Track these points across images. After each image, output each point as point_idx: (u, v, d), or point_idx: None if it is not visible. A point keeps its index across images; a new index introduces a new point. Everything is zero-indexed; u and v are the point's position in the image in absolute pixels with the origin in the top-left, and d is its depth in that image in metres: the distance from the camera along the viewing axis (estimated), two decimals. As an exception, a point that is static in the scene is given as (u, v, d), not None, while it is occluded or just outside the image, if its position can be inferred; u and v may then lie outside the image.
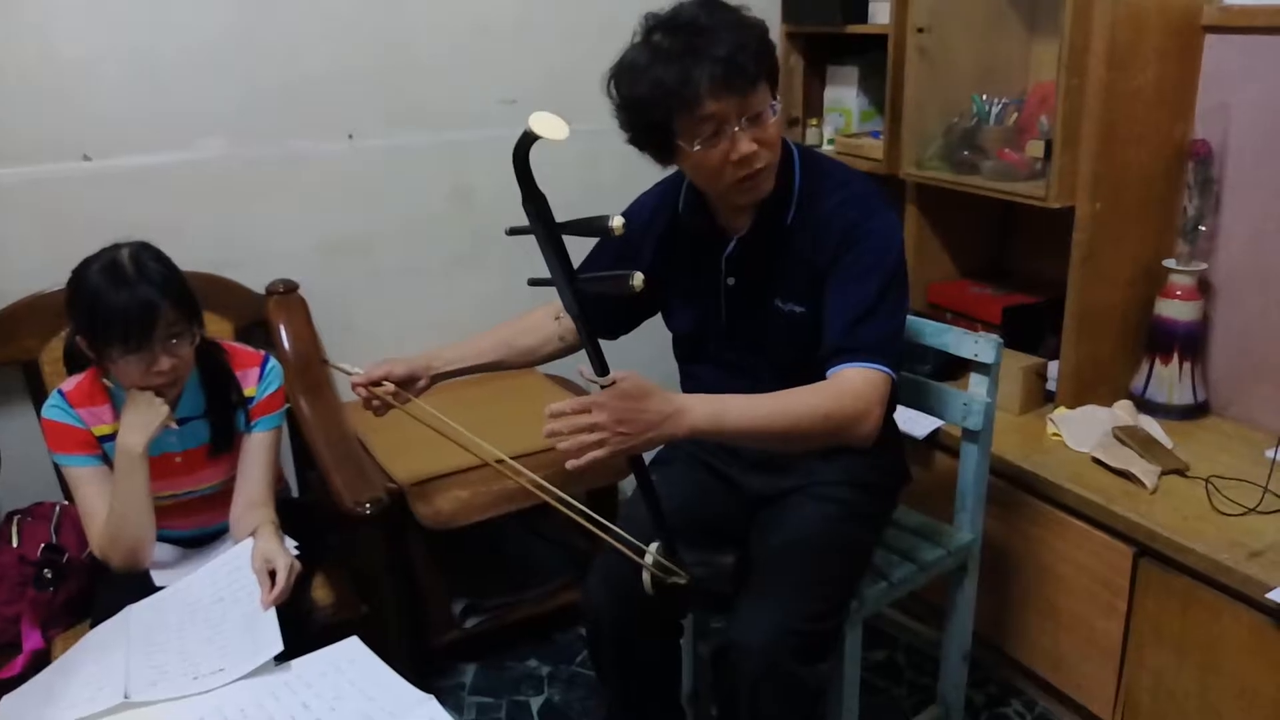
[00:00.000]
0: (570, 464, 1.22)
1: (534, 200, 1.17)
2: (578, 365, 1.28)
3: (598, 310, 1.58)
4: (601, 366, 1.22)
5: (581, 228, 1.17)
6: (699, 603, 1.65)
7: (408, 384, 1.54)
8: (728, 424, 1.27)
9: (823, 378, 1.38)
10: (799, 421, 1.30)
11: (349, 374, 1.53)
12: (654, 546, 1.36)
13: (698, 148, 1.34)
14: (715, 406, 1.27)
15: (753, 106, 1.33)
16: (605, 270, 1.54)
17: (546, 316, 1.66)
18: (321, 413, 2.04)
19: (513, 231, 1.23)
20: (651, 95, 1.32)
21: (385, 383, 1.52)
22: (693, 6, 1.34)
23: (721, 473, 1.64)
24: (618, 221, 1.14)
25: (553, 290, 1.24)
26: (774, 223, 1.46)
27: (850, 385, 1.34)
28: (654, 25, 1.35)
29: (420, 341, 2.36)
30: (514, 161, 1.15)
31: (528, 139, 1.13)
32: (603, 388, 1.21)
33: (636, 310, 1.65)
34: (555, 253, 1.19)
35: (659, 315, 1.66)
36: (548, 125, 1.12)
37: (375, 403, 1.52)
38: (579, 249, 1.25)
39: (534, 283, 1.27)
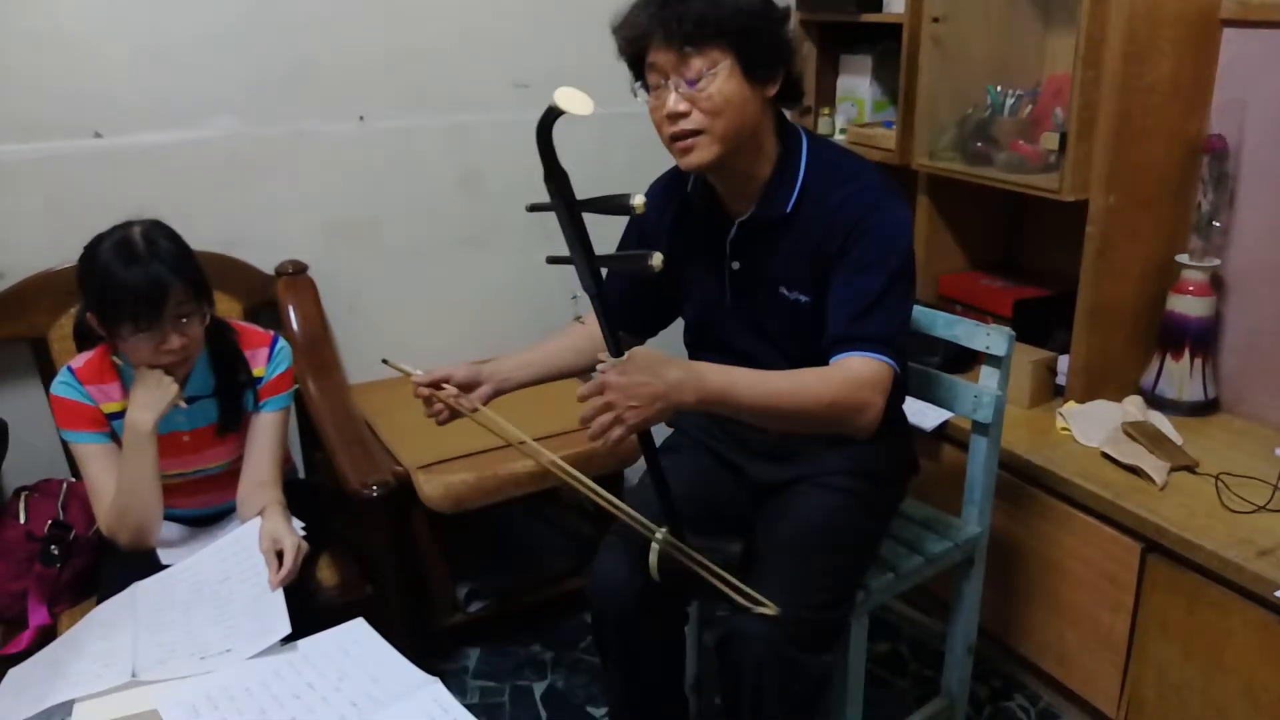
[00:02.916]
0: (593, 440, 1.22)
1: (555, 177, 1.16)
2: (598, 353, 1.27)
3: (628, 311, 1.59)
4: (616, 347, 1.22)
5: (602, 205, 1.17)
6: (708, 590, 1.65)
7: (468, 389, 1.49)
8: (734, 397, 1.27)
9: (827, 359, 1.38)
10: (804, 404, 1.31)
11: (409, 375, 1.47)
12: (660, 532, 1.36)
13: (646, 93, 1.38)
14: (725, 378, 1.27)
15: (691, 68, 1.32)
16: (646, 283, 1.54)
17: (582, 327, 1.66)
18: (329, 394, 2.05)
19: (533, 208, 1.22)
20: (624, 31, 1.36)
21: (446, 386, 1.46)
22: None
23: (728, 460, 1.64)
24: (639, 200, 1.14)
25: (566, 277, 1.24)
26: (774, 209, 1.45)
27: (855, 374, 1.34)
28: None
29: (425, 323, 2.38)
30: (537, 137, 1.14)
31: (552, 114, 1.12)
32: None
33: (665, 307, 1.64)
34: (575, 231, 1.18)
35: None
36: (573, 100, 1.11)
37: (438, 406, 1.46)
38: (598, 237, 1.25)
39: (552, 260, 1.26)
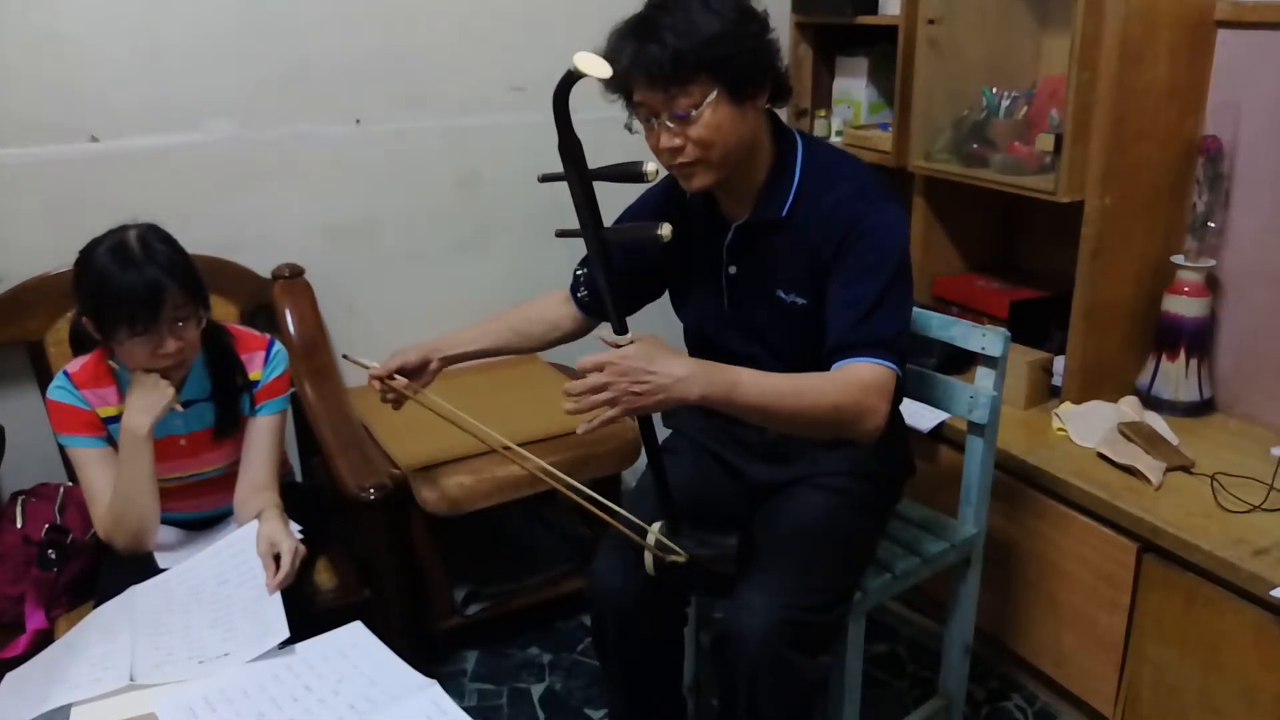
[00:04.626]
0: (581, 429, 1.22)
1: (569, 145, 1.16)
2: (599, 330, 1.28)
3: (598, 291, 1.59)
4: (620, 324, 1.22)
5: (614, 173, 1.17)
6: (702, 585, 1.65)
7: (421, 369, 1.60)
8: (739, 397, 1.26)
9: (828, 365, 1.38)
10: (806, 407, 1.30)
11: (366, 367, 1.58)
12: (657, 526, 1.36)
13: (639, 127, 1.38)
14: (730, 377, 1.26)
15: (678, 105, 1.31)
16: (633, 260, 1.54)
17: (557, 300, 1.68)
18: (326, 397, 2.04)
19: (545, 178, 1.23)
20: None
21: (398, 376, 1.58)
22: None
23: (726, 461, 1.64)
24: (651, 166, 1.16)
25: (565, 278, 1.25)
26: (770, 213, 1.45)
27: (859, 379, 1.33)
28: None
29: (422, 326, 2.35)
30: (554, 102, 1.14)
31: (570, 78, 1.12)
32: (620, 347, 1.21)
33: (639, 291, 1.64)
34: (586, 201, 1.18)
35: (666, 306, 1.65)
36: (591, 64, 1.11)
37: (390, 395, 1.58)
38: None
39: (561, 234, 1.27)
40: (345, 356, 1.67)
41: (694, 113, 1.32)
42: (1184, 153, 2.00)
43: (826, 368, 1.37)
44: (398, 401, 1.60)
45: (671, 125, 1.33)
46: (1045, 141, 2.00)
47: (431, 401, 1.55)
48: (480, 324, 1.69)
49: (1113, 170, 1.92)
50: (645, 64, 1.29)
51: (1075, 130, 1.90)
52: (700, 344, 1.62)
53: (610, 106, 1.42)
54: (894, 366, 1.36)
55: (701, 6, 1.30)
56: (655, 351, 1.22)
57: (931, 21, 2.16)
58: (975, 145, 2.17)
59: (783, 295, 1.47)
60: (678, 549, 1.32)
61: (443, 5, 2.23)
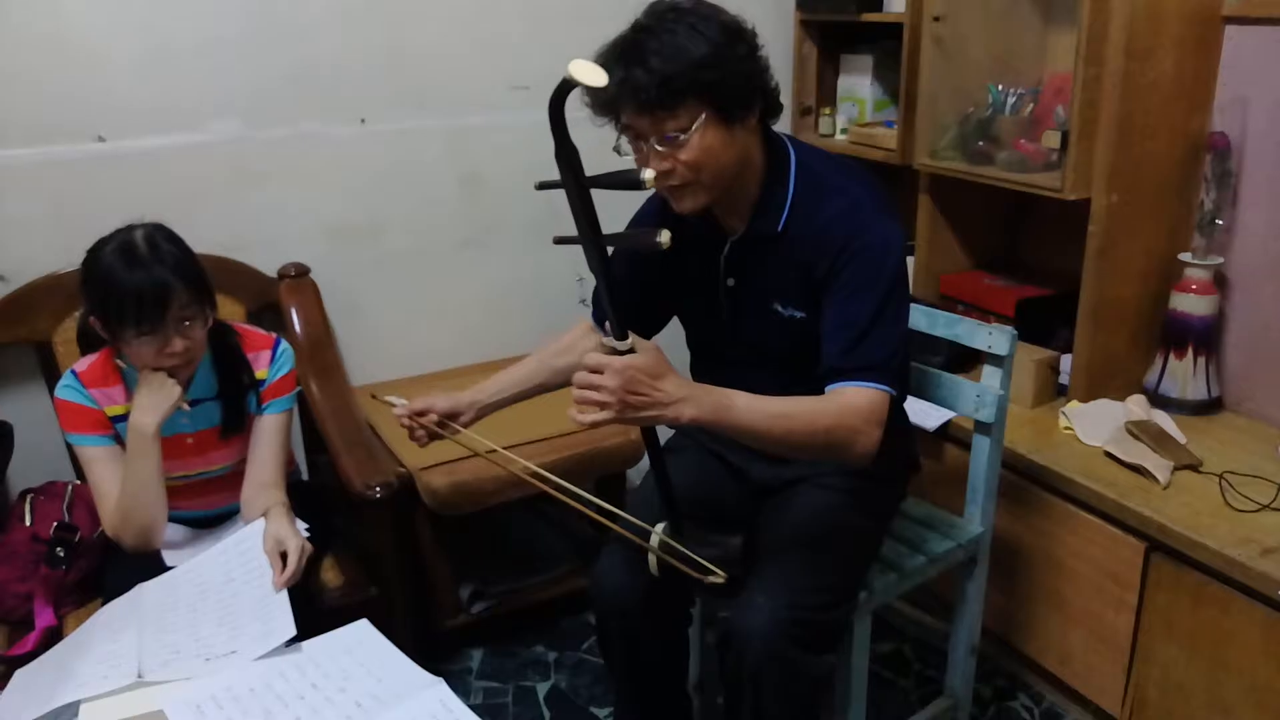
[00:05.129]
0: (572, 416, 1.21)
1: (566, 153, 1.16)
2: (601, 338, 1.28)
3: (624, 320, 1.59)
4: (620, 330, 1.22)
5: (612, 181, 1.16)
6: (706, 586, 1.65)
7: (450, 418, 1.55)
8: (732, 420, 1.26)
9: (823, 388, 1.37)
10: (799, 430, 1.30)
11: (393, 406, 1.54)
12: (660, 527, 1.36)
13: (628, 149, 1.36)
14: (722, 401, 1.26)
15: (667, 129, 1.30)
16: (630, 272, 1.54)
17: (583, 331, 1.66)
18: (332, 396, 2.05)
19: (542, 185, 1.22)
20: (593, 97, 1.31)
21: (429, 413, 1.53)
22: (669, 2, 1.32)
23: (729, 461, 1.64)
24: (649, 174, 1.14)
25: (567, 278, 1.24)
26: (765, 227, 1.44)
27: (852, 404, 1.33)
28: (646, 7, 1.33)
29: (426, 325, 2.38)
30: (550, 110, 1.13)
31: (566, 86, 1.11)
32: (621, 353, 1.21)
33: (658, 316, 1.64)
34: (584, 208, 1.18)
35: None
36: (586, 72, 1.10)
37: (419, 432, 1.53)
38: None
39: (559, 240, 1.26)
40: (374, 396, 1.65)
41: (683, 136, 1.30)
42: (1191, 149, 2.00)
43: (821, 390, 1.37)
44: (425, 438, 1.54)
45: (661, 149, 1.32)
46: (1051, 139, 1.99)
47: (465, 439, 1.54)
48: (510, 369, 1.64)
49: (1119, 167, 1.91)
50: (632, 89, 1.27)
51: (1081, 127, 1.89)
52: (702, 353, 1.62)
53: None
54: (888, 389, 1.35)
55: (688, 29, 1.28)
56: (661, 367, 1.21)
57: (937, 19, 2.15)
58: (981, 143, 2.16)
59: (780, 308, 1.47)
60: (716, 570, 1.30)
61: (446, 5, 2.23)
